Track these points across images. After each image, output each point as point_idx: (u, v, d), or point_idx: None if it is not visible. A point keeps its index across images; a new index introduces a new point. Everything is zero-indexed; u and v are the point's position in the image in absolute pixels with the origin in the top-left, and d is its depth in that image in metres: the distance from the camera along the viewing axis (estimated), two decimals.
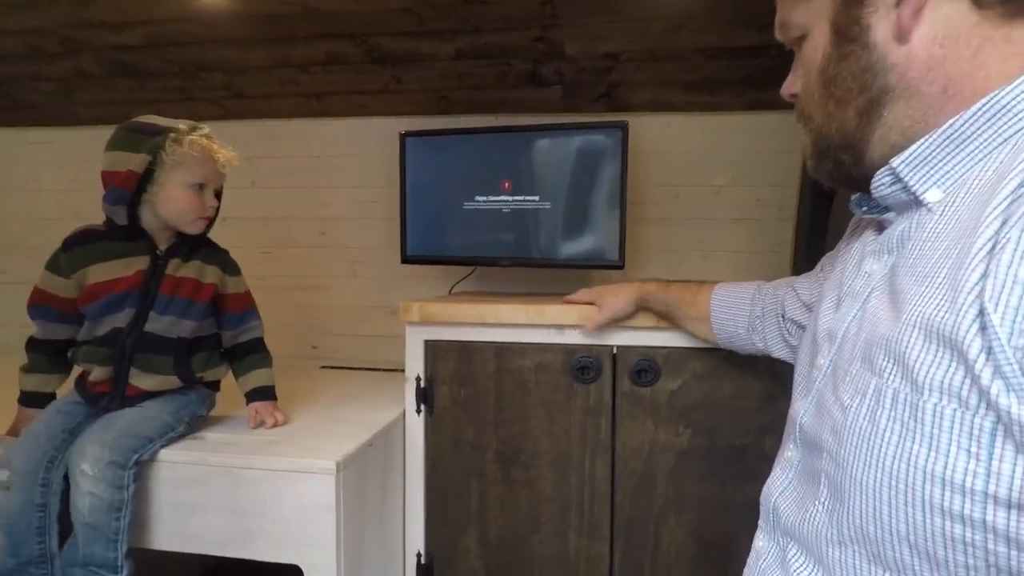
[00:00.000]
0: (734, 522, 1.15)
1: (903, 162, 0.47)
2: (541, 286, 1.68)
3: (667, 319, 1.09)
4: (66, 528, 0.96)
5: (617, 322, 1.12)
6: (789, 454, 0.56)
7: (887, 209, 0.53)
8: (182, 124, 1.01)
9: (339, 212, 1.80)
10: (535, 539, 1.20)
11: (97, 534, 0.88)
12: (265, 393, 1.14)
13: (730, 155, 1.63)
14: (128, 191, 0.96)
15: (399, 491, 1.23)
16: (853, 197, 0.57)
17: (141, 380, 1.01)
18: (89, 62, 1.61)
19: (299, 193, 1.81)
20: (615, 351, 1.16)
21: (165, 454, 0.98)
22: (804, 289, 0.80)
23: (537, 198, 1.47)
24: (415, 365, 1.23)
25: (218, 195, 1.08)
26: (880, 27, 0.48)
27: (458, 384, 1.21)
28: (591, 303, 1.15)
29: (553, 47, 1.45)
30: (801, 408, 0.54)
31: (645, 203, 1.67)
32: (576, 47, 1.45)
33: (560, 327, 1.18)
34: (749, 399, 1.12)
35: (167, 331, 1.01)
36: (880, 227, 0.55)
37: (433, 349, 1.22)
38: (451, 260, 1.59)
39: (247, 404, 1.13)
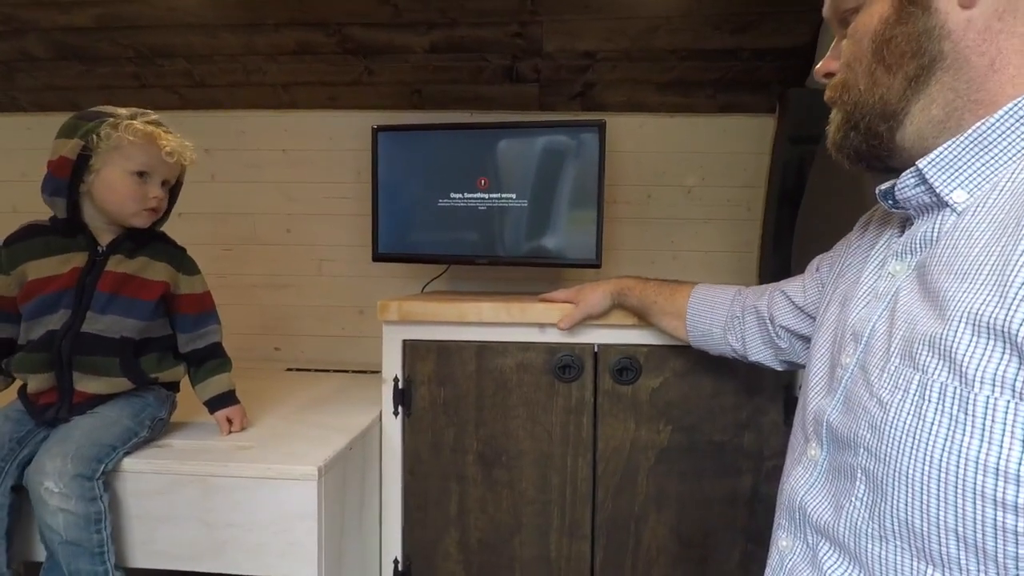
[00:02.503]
0: (713, 517, 1.16)
1: (930, 163, 0.48)
2: (514, 285, 1.67)
3: (642, 316, 1.09)
4: (14, 546, 0.89)
5: (593, 318, 1.12)
6: (813, 452, 0.56)
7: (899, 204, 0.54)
8: (125, 111, 0.95)
9: (306, 208, 1.74)
10: (516, 541, 1.18)
11: (79, 550, 0.81)
12: (227, 399, 1.07)
13: (701, 156, 1.66)
14: (63, 180, 0.90)
15: (376, 496, 1.19)
16: (880, 189, 0.57)
17: (87, 384, 0.94)
18: (33, 44, 1.50)
19: (264, 188, 1.73)
20: (596, 349, 1.16)
21: (129, 463, 0.92)
22: (796, 292, 0.80)
23: (514, 196, 1.46)
24: (392, 365, 1.20)
25: (175, 189, 1.02)
26: None
27: (437, 384, 1.19)
28: (569, 302, 1.14)
29: (532, 43, 1.44)
30: (827, 406, 0.54)
31: (618, 202, 1.68)
32: (554, 44, 1.45)
33: (542, 326, 1.17)
34: (728, 396, 1.14)
35: (108, 331, 0.94)
36: (902, 228, 0.56)
37: (411, 349, 1.19)
38: (425, 258, 1.55)
39: (210, 413, 1.06)
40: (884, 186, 0.57)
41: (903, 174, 0.51)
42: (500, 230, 1.48)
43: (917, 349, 0.44)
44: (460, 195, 1.48)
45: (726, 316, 0.92)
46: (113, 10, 1.38)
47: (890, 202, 0.56)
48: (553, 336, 1.16)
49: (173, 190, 1.02)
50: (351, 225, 1.72)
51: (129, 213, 0.95)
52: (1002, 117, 0.45)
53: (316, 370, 1.67)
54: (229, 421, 1.05)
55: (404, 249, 1.54)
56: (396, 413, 1.20)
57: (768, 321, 0.84)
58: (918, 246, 0.50)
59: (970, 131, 0.46)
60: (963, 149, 0.47)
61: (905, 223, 0.56)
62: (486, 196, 1.47)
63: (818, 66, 0.59)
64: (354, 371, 1.66)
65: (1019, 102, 0.44)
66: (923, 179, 0.49)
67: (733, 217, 1.67)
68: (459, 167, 1.48)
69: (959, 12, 0.47)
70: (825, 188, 1.36)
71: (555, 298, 1.17)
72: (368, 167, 1.52)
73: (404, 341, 1.19)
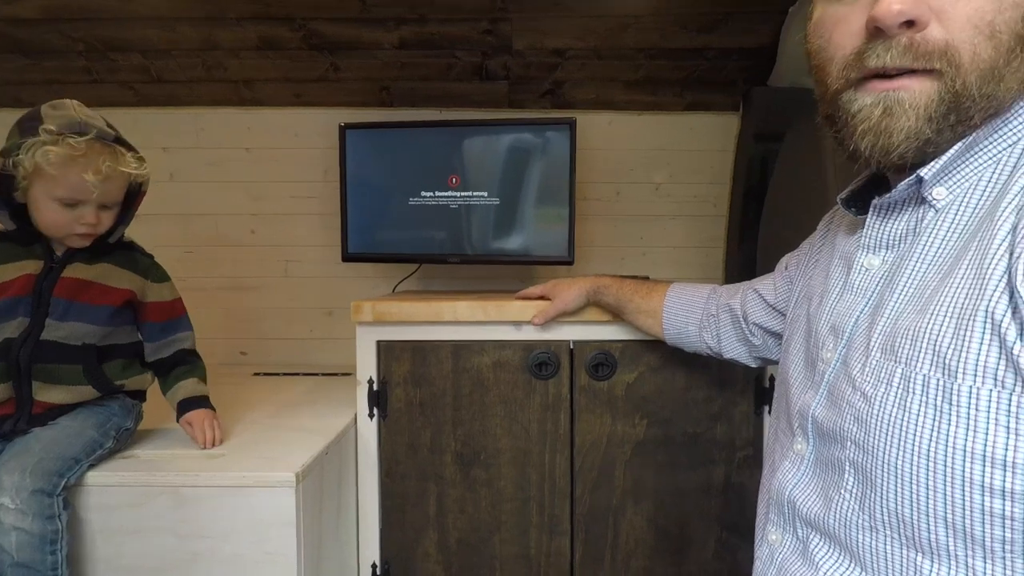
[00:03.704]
0: (689, 507, 1.19)
1: (931, 174, 0.47)
2: (486, 283, 1.67)
3: (617, 314, 1.10)
4: None
5: (567, 315, 1.13)
6: (799, 447, 0.57)
7: (865, 210, 0.55)
8: (54, 125, 0.82)
9: (271, 208, 1.69)
10: (496, 539, 1.18)
11: (29, 573, 0.77)
12: (197, 402, 1.02)
13: (669, 153, 1.68)
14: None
15: (353, 499, 1.17)
16: (843, 197, 0.59)
17: (49, 394, 0.89)
18: None
19: (226, 188, 1.68)
20: (572, 346, 1.17)
21: (93, 477, 0.88)
22: (767, 291, 0.82)
23: (485, 194, 1.45)
24: (367, 367, 1.18)
25: (134, 199, 0.95)
26: None
27: (413, 385, 1.18)
28: (544, 298, 1.14)
29: (502, 40, 1.44)
30: (810, 401, 0.55)
31: (588, 199, 1.69)
32: (524, 42, 1.45)
33: (518, 324, 1.17)
34: (700, 389, 1.16)
35: (70, 338, 0.90)
36: (859, 226, 0.57)
37: (386, 349, 1.18)
38: (396, 257, 1.53)
39: (177, 420, 1.01)
40: (844, 195, 0.59)
41: (902, 184, 0.50)
42: (471, 228, 1.47)
43: (899, 343, 0.45)
44: (431, 193, 1.47)
45: (701, 314, 0.94)
46: (60, 1, 1.31)
47: (853, 209, 0.58)
48: (529, 334, 1.17)
49: (132, 198, 0.96)
50: (318, 225, 1.68)
51: (60, 236, 0.90)
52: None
53: (284, 374, 1.63)
54: (191, 425, 0.99)
55: (374, 249, 1.51)
56: (372, 415, 1.18)
57: (742, 319, 0.86)
58: (895, 240, 0.52)
59: (969, 138, 0.46)
60: (958, 155, 0.47)
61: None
62: (457, 194, 1.46)
63: (892, 3, 0.42)
64: (324, 374, 1.63)
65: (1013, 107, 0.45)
66: (919, 182, 0.49)
67: (700, 213, 1.70)
68: (429, 165, 1.46)
69: None
70: (789, 184, 1.40)
71: (530, 294, 1.17)
72: (335, 166, 1.48)
73: (378, 342, 1.18)
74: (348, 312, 1.16)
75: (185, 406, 1.01)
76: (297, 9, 1.33)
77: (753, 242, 1.57)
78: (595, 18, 1.38)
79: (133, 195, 0.95)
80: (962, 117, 0.44)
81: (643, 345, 1.16)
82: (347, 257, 1.52)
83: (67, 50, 1.44)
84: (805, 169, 1.30)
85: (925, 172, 0.47)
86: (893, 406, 0.44)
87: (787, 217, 1.38)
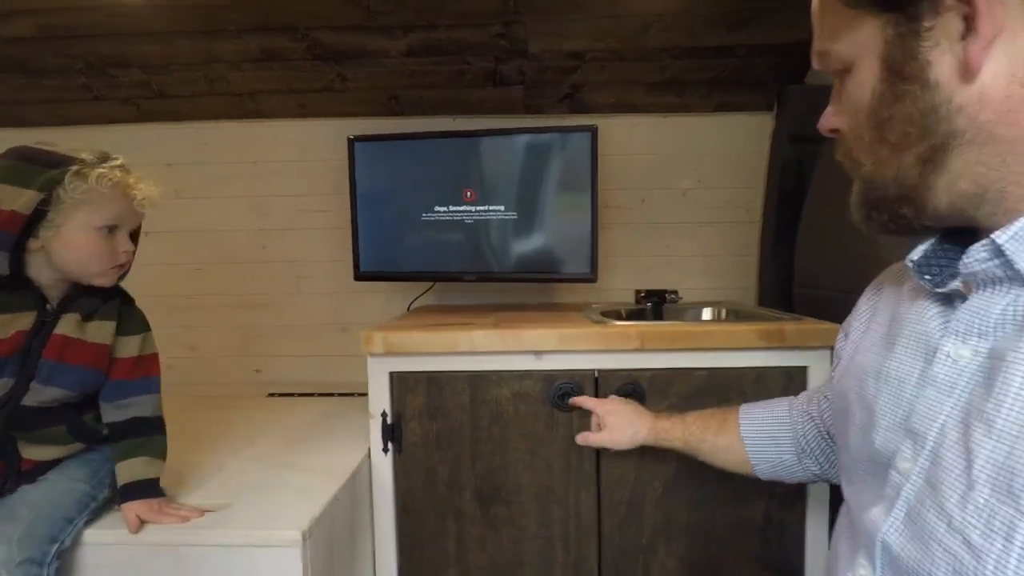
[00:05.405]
0: (722, 547, 1.11)
1: (1012, 238, 0.40)
2: (505, 296, 1.59)
3: (691, 455, 0.90)
4: None
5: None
6: (863, 573, 0.47)
7: (953, 277, 0.46)
8: (87, 154, 0.81)
9: (281, 223, 1.64)
10: None
11: None
12: (142, 489, 0.87)
13: (697, 157, 1.58)
14: (12, 234, 0.77)
15: (368, 541, 1.12)
16: (913, 260, 0.49)
17: (35, 452, 0.83)
18: None
19: (234, 203, 1.63)
20: (597, 375, 1.09)
21: (91, 535, 0.83)
22: (831, 395, 0.70)
23: (502, 208, 1.37)
24: (380, 399, 1.12)
25: (135, 238, 0.88)
26: (943, 63, 0.41)
27: (429, 418, 1.11)
28: (596, 412, 0.98)
29: (515, 44, 1.35)
30: (879, 520, 0.46)
31: (609, 207, 1.60)
32: (540, 45, 1.36)
33: (538, 353, 1.09)
34: None
35: (51, 401, 0.83)
36: (942, 299, 0.48)
37: (399, 381, 1.11)
38: (410, 276, 1.47)
39: (119, 503, 0.86)
40: (916, 255, 0.49)
41: (973, 248, 0.42)
42: (488, 244, 1.39)
43: (1018, 485, 0.36)
44: (445, 208, 1.39)
45: (792, 436, 0.78)
46: (54, 19, 1.25)
47: (928, 279, 0.48)
48: (550, 363, 1.09)
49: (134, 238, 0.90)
50: (330, 239, 1.62)
51: (94, 272, 0.83)
52: None
53: (300, 394, 1.58)
54: (140, 520, 0.84)
55: (387, 267, 1.45)
56: (386, 450, 1.12)
57: (828, 436, 0.73)
58: (989, 328, 0.42)
59: None
60: None
61: (948, 295, 0.47)
62: (473, 208, 1.38)
63: (821, 122, 0.53)
64: (340, 394, 1.58)
65: None
66: (999, 252, 0.41)
67: (732, 220, 1.60)
68: (443, 178, 1.39)
69: (964, 86, 0.40)
70: (830, 188, 1.29)
71: (583, 403, 1.02)
72: (345, 178, 1.42)
73: (391, 373, 1.11)
74: (362, 329, 1.09)
75: (127, 493, 0.86)
76: (298, 19, 1.26)
77: (789, 250, 1.46)
78: (614, 18, 1.28)
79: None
80: (875, 203, 0.48)
81: (673, 373, 1.08)
82: (359, 276, 1.46)
83: (65, 68, 1.39)
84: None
85: (1001, 237, 0.40)
86: (1015, 573, 0.35)
87: (828, 223, 1.28)
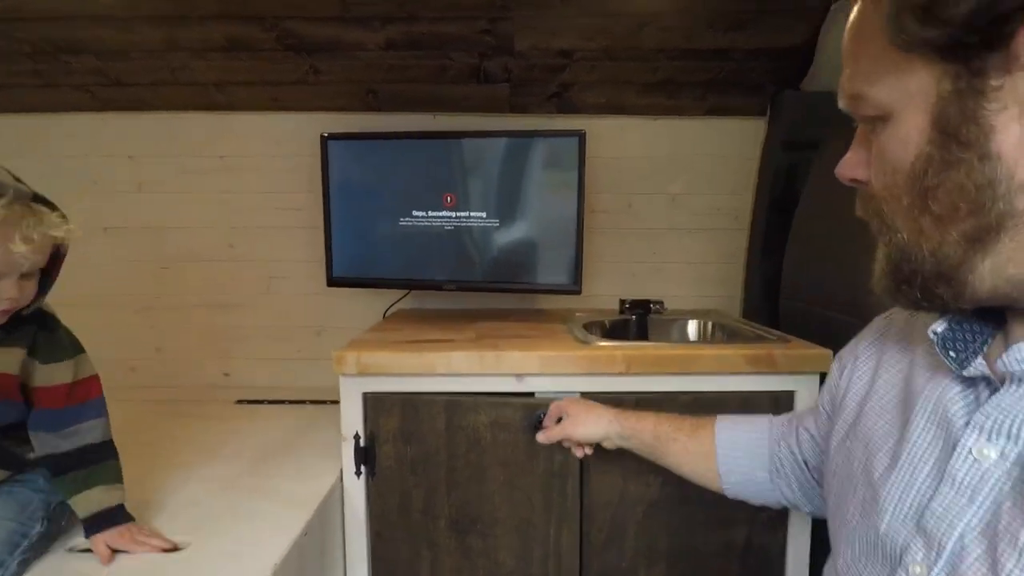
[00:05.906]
0: (704, 571, 1.09)
1: None
2: (484, 302, 1.53)
3: (654, 458, 0.85)
4: None
5: (572, 441, 0.91)
6: None
7: (976, 354, 0.41)
8: None
9: (251, 221, 1.55)
10: None
11: None
12: (110, 518, 0.82)
13: (687, 161, 1.53)
14: None
15: (339, 567, 1.07)
16: (936, 332, 0.44)
17: None
18: None
19: (200, 199, 1.53)
20: (580, 397, 1.04)
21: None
22: (812, 426, 0.67)
23: (484, 215, 1.31)
24: (353, 421, 1.06)
25: (56, 261, 0.79)
26: (1009, 131, 0.35)
27: (403, 442, 1.06)
28: (560, 417, 0.92)
29: (501, 41, 1.27)
30: None
31: (596, 212, 1.54)
32: (527, 42, 1.28)
33: (519, 375, 1.04)
34: None
35: None
36: (970, 380, 0.43)
37: (374, 401, 1.06)
38: (385, 283, 1.40)
39: (86, 536, 0.82)
40: (939, 328, 0.43)
41: (1017, 347, 0.38)
42: (468, 252, 1.33)
43: None
44: (423, 213, 1.32)
45: (769, 456, 0.73)
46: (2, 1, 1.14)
47: (953, 355, 0.43)
48: (532, 385, 1.05)
49: (55, 262, 0.80)
50: (303, 239, 1.54)
51: None
52: None
53: (269, 401, 1.52)
54: (112, 549, 0.80)
55: (362, 273, 1.38)
56: (359, 473, 1.07)
57: (804, 466, 0.69)
58: (1021, 430, 0.38)
59: None
60: None
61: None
62: (453, 214, 1.32)
63: (841, 169, 0.46)
64: (312, 401, 1.51)
65: None
66: None
67: (720, 226, 1.56)
68: (422, 181, 1.32)
69: None
70: (824, 197, 1.25)
71: (546, 423, 0.94)
72: (319, 175, 1.34)
73: (364, 394, 1.06)
74: (337, 332, 1.03)
75: (92, 525, 0.81)
76: (268, 8, 1.17)
77: (778, 258, 1.43)
78: (607, 16, 1.21)
79: (53, 258, 0.78)
80: (908, 277, 0.43)
81: (660, 397, 1.04)
82: (332, 282, 1.39)
83: (12, 52, 1.28)
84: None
85: None
86: None
87: (820, 233, 1.24)
